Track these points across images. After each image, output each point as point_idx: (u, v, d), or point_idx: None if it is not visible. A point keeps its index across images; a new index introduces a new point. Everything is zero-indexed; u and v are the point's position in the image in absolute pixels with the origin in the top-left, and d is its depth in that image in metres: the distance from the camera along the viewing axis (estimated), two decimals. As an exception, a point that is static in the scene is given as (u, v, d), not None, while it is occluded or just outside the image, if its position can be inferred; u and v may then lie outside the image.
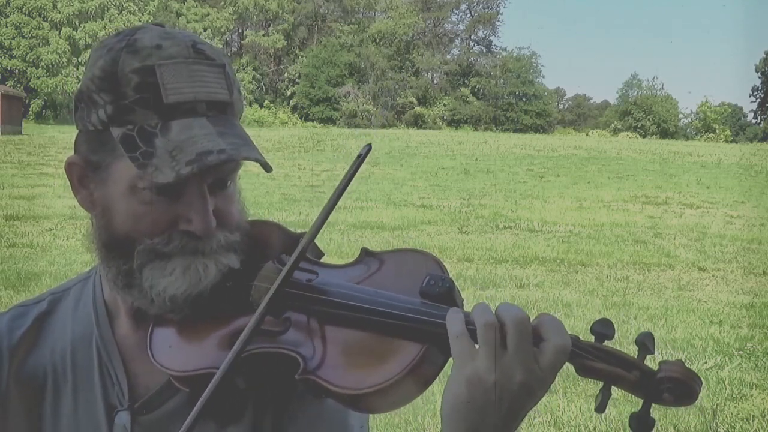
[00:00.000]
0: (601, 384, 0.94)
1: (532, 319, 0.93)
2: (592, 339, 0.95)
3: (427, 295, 0.97)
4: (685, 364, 0.93)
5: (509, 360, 0.88)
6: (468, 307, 0.99)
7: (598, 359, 0.93)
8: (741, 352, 6.72)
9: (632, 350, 0.97)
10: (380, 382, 0.91)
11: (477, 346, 0.90)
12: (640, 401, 0.93)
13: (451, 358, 0.94)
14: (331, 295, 1.00)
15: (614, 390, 0.95)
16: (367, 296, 0.98)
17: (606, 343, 0.94)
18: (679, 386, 0.91)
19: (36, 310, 1.15)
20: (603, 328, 0.94)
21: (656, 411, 0.93)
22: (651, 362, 0.94)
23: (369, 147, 0.98)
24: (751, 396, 5.67)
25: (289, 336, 0.99)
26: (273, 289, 0.94)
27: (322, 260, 1.11)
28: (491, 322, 0.89)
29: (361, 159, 0.97)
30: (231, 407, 1.04)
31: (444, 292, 0.96)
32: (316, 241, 1.11)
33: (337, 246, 11.00)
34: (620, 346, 0.94)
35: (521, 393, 0.88)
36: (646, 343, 0.93)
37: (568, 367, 0.94)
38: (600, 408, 0.92)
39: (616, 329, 0.95)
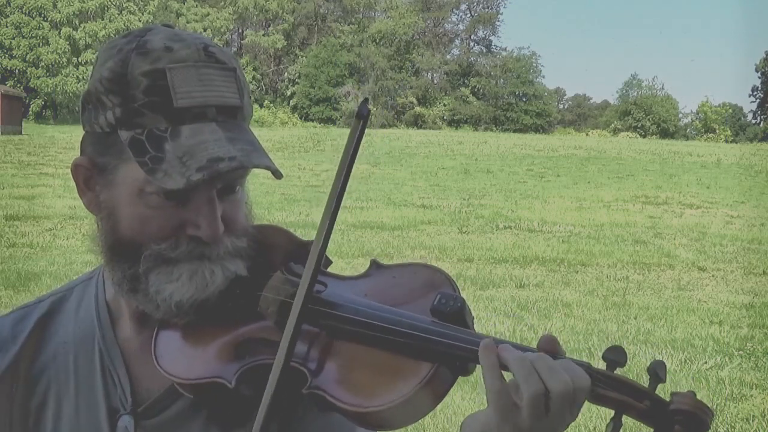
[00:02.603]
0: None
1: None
2: (603, 365, 0.94)
3: (438, 313, 0.96)
4: (697, 396, 0.92)
5: (551, 421, 0.89)
6: (471, 307, 0.98)
7: (610, 387, 0.92)
8: (741, 352, 6.71)
9: (632, 350, 0.97)
10: (389, 401, 0.90)
11: (518, 401, 0.89)
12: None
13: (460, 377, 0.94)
14: (340, 309, 0.98)
15: None
16: (378, 312, 0.97)
17: (617, 370, 0.93)
18: (691, 419, 0.90)
19: (37, 312, 1.14)
20: (615, 356, 0.93)
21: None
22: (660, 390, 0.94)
23: (366, 105, 0.91)
24: (751, 396, 5.67)
25: (297, 349, 0.97)
26: (296, 314, 0.91)
27: (329, 269, 1.10)
28: (540, 392, 0.88)
29: (363, 122, 0.90)
30: (236, 414, 1.03)
31: (455, 312, 0.95)
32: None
33: (338, 246, 11.00)
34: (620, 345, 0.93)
35: None
36: (657, 371, 0.92)
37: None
38: None
39: (605, 344, 0.94)
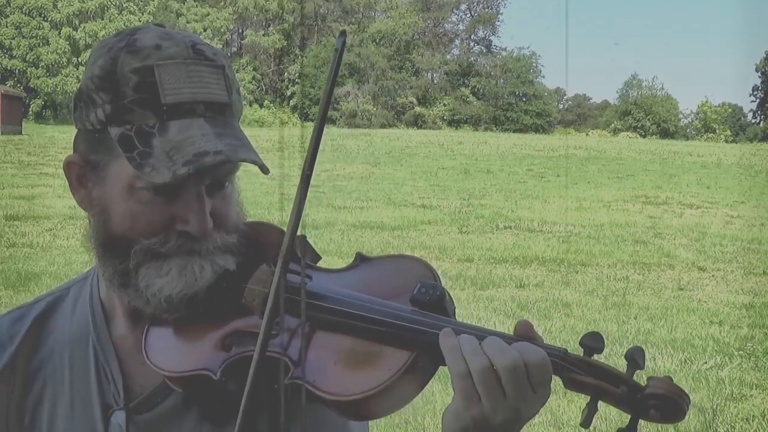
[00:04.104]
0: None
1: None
2: (581, 352, 0.95)
3: (418, 302, 0.97)
4: (674, 381, 0.93)
5: (512, 402, 0.90)
6: (468, 306, 0.99)
7: (586, 373, 0.92)
8: (741, 352, 6.71)
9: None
10: (368, 389, 0.91)
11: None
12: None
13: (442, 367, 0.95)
14: (323, 300, 1.00)
15: None
16: (359, 302, 0.98)
17: (595, 356, 0.94)
18: (666, 403, 0.90)
19: (34, 312, 1.16)
20: (592, 342, 0.93)
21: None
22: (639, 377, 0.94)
23: (343, 36, 0.88)
24: (751, 396, 5.67)
25: (280, 340, 0.99)
26: (270, 301, 0.92)
27: (319, 264, 1.11)
28: (487, 368, 0.90)
29: (339, 53, 0.87)
30: (225, 409, 1.03)
31: (435, 300, 0.97)
32: (313, 244, 1.10)
33: (337, 246, 11.00)
34: (620, 346, 0.93)
35: (524, 420, 0.92)
36: (635, 357, 0.92)
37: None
38: (585, 423, 0.92)
39: (605, 342, 0.94)
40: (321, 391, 0.92)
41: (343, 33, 0.88)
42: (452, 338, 0.92)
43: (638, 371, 0.93)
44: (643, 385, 0.92)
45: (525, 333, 0.94)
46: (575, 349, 0.94)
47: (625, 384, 0.92)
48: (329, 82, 0.86)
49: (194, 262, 1.00)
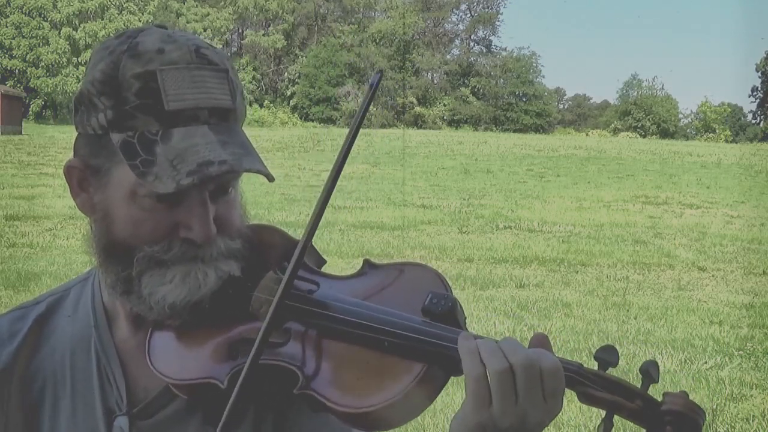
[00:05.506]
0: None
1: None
2: (595, 365, 0.94)
3: (429, 313, 0.96)
4: (689, 396, 0.92)
5: (522, 405, 0.89)
6: (468, 306, 0.99)
7: (601, 388, 0.91)
8: (741, 352, 6.71)
9: (632, 350, 0.97)
10: (380, 402, 0.90)
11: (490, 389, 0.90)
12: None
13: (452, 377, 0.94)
14: (331, 309, 0.99)
15: None
16: (369, 312, 0.97)
17: (609, 370, 0.93)
18: (683, 420, 0.90)
19: (35, 312, 1.14)
20: (606, 355, 0.93)
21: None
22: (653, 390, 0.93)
23: (380, 73, 0.91)
24: (751, 396, 5.66)
25: (289, 349, 0.98)
26: (273, 307, 0.92)
27: (323, 268, 1.10)
28: (505, 369, 0.89)
29: (373, 88, 0.90)
30: (231, 414, 1.03)
31: (446, 311, 0.95)
32: (317, 245, 1.09)
33: (337, 246, 11.00)
34: (620, 346, 0.93)
35: (533, 429, 0.90)
36: (650, 371, 0.92)
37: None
38: None
39: (605, 343, 0.93)
40: (331, 402, 0.91)
41: (381, 71, 0.91)
42: (471, 341, 0.91)
43: (653, 385, 0.93)
44: (658, 400, 0.91)
45: (540, 345, 0.93)
46: (581, 354, 0.94)
47: (641, 399, 0.91)
48: (359, 118, 0.92)
49: (198, 268, 0.99)
